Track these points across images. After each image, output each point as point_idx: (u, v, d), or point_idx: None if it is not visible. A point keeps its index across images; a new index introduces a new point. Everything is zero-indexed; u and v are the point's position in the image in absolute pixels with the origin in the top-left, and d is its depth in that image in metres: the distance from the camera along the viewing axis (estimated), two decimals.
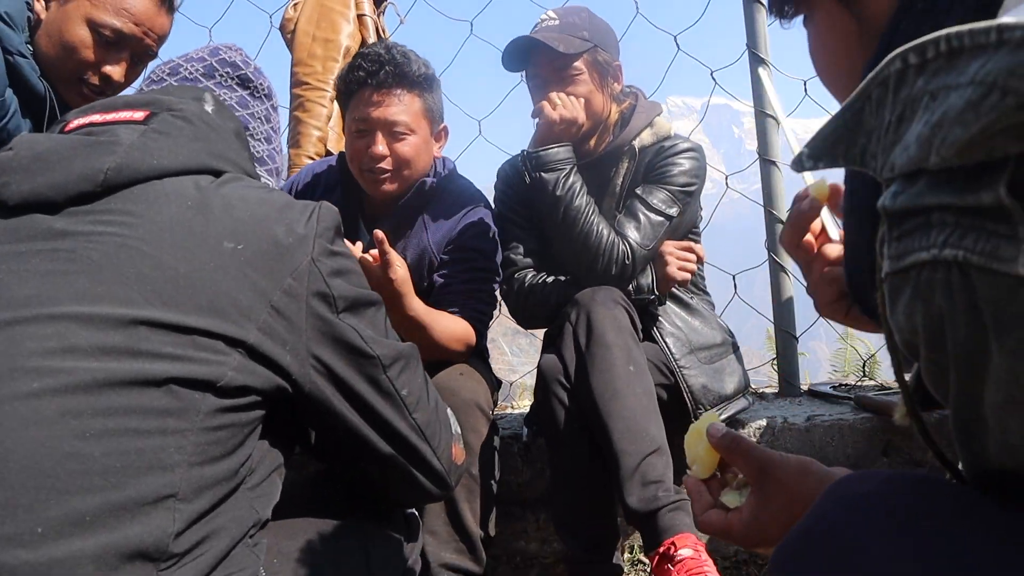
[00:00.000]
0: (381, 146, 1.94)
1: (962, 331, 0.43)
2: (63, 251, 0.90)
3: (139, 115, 1.04)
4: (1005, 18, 0.44)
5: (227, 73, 1.27)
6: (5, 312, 0.85)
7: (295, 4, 2.92)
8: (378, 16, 2.95)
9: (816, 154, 0.53)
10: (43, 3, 1.76)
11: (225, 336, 0.90)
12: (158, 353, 0.86)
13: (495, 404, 2.20)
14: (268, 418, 0.99)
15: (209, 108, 1.10)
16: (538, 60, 2.04)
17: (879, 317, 0.51)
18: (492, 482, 1.91)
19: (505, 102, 3.05)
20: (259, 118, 1.29)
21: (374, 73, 1.93)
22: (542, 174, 1.97)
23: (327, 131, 2.74)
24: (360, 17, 2.87)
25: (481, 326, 2.02)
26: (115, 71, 1.77)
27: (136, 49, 1.79)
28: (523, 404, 2.89)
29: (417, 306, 1.80)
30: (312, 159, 2.67)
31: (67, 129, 1.04)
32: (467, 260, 2.03)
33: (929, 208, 0.44)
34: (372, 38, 2.87)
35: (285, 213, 1.01)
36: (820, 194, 0.94)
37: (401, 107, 1.94)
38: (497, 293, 2.13)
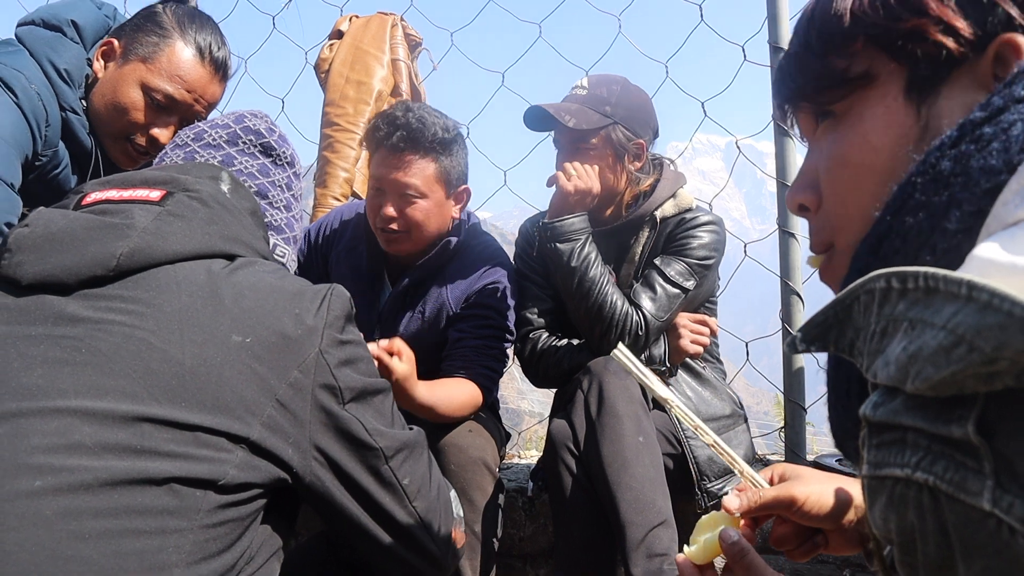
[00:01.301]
0: (391, 208, 1.97)
1: (932, 548, 0.45)
2: (71, 338, 0.90)
3: (155, 195, 1.03)
4: (979, 253, 0.46)
5: (250, 141, 1.27)
6: (11, 402, 0.85)
7: (331, 44, 2.98)
8: (412, 61, 3.01)
9: (809, 339, 0.55)
10: (102, 62, 1.81)
11: (228, 433, 0.90)
12: (160, 451, 0.86)
13: (502, 457, 2.22)
14: (269, 504, 0.99)
15: (225, 188, 1.11)
16: (558, 127, 2.08)
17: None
18: (494, 540, 1.92)
19: (532, 154, 3.09)
20: (279, 186, 1.28)
21: (389, 135, 1.95)
22: (557, 244, 1.98)
23: (354, 173, 2.78)
24: (394, 61, 2.92)
25: (490, 383, 2.03)
26: (162, 134, 1.80)
27: (186, 114, 1.83)
28: (530, 454, 2.91)
29: (421, 393, 1.79)
30: (338, 200, 2.71)
31: (84, 203, 1.04)
32: (481, 317, 2.05)
33: (905, 427, 0.46)
34: (405, 82, 2.92)
35: (295, 302, 1.00)
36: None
37: (413, 171, 1.96)
38: (509, 351, 2.15)
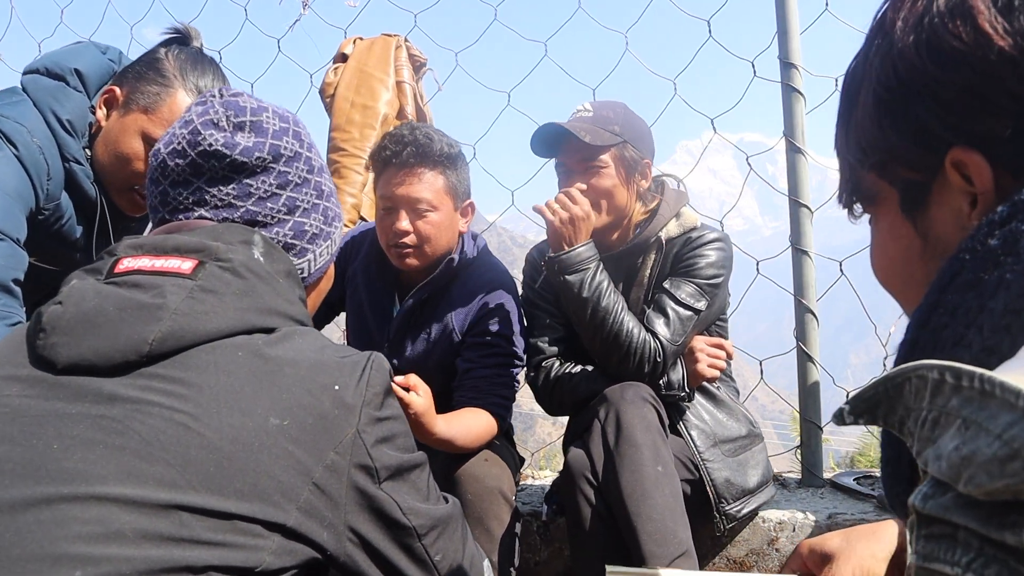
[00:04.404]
0: (404, 222, 2.00)
1: None
2: (110, 419, 0.88)
3: (187, 266, 1.00)
4: None
5: (213, 167, 1.12)
6: (51, 486, 0.84)
7: (336, 68, 2.98)
8: (417, 82, 3.00)
9: (857, 412, 0.53)
10: (105, 110, 1.80)
11: (265, 521, 0.89)
12: (198, 540, 0.85)
13: (517, 483, 2.21)
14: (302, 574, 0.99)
15: (258, 254, 1.07)
16: (566, 149, 2.06)
17: None
18: (511, 569, 1.91)
19: (540, 173, 3.10)
20: (268, 196, 1.14)
21: (398, 153, 2.00)
22: (566, 277, 1.95)
23: (361, 198, 2.77)
24: (399, 84, 2.92)
25: (504, 411, 2.03)
26: None
27: None
28: (544, 475, 2.89)
29: (440, 427, 1.80)
30: (346, 226, 2.70)
31: (116, 270, 1.02)
32: (488, 346, 2.05)
33: (956, 524, 0.44)
34: (410, 105, 2.92)
35: (334, 377, 0.99)
36: None
37: (423, 185, 2.00)
38: (520, 376, 2.14)
